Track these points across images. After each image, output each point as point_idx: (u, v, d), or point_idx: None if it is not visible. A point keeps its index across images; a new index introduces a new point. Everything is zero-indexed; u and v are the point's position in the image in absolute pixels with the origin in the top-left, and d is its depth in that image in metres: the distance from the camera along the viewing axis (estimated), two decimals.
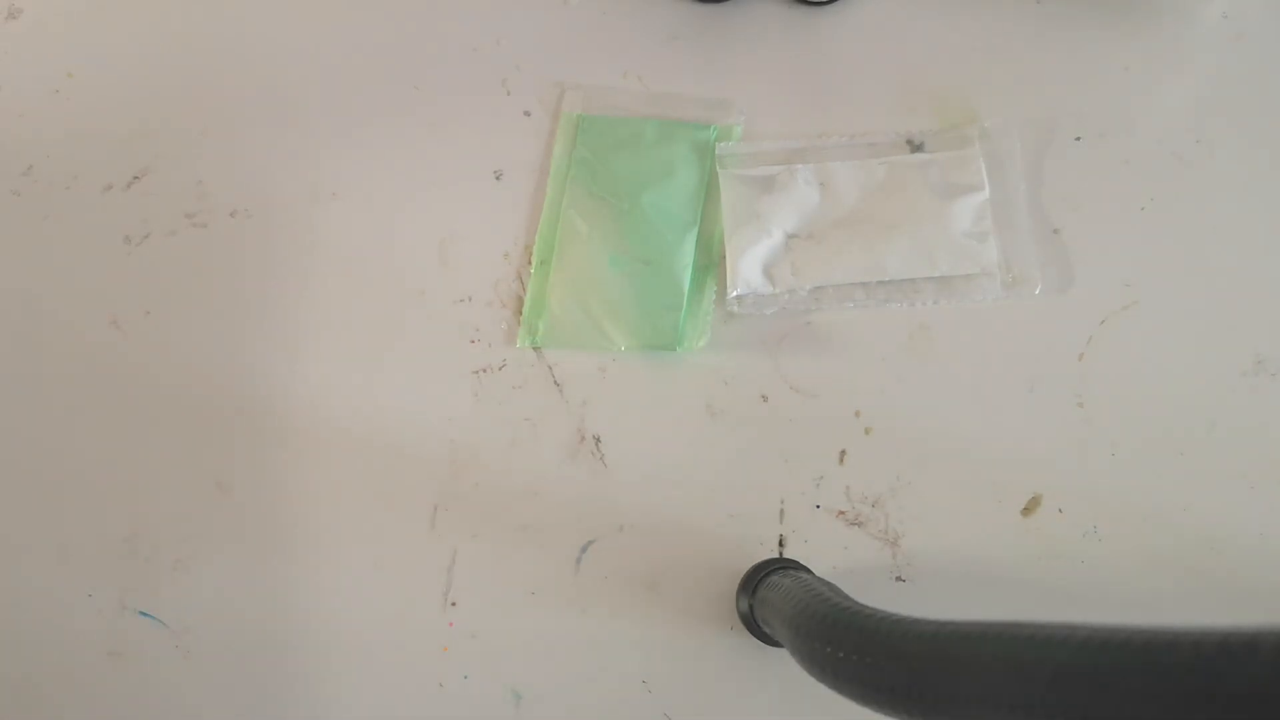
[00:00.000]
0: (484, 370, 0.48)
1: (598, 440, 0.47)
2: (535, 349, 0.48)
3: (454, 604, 0.46)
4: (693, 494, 0.46)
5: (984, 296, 0.47)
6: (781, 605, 0.36)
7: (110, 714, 0.46)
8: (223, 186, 0.52)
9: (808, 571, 0.43)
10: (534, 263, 0.49)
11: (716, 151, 0.49)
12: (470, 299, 0.49)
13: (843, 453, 0.46)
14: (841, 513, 0.45)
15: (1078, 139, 0.49)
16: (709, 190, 0.49)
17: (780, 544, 0.45)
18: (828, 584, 0.38)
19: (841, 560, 0.45)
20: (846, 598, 0.35)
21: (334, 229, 0.50)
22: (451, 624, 0.45)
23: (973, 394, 0.46)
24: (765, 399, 0.47)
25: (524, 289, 0.49)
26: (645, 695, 0.44)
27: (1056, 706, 0.20)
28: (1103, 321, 0.47)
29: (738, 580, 0.44)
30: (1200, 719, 0.17)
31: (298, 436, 0.48)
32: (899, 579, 0.45)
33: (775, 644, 0.43)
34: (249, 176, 0.52)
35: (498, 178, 0.51)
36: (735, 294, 0.47)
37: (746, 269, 0.47)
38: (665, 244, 0.48)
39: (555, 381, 0.48)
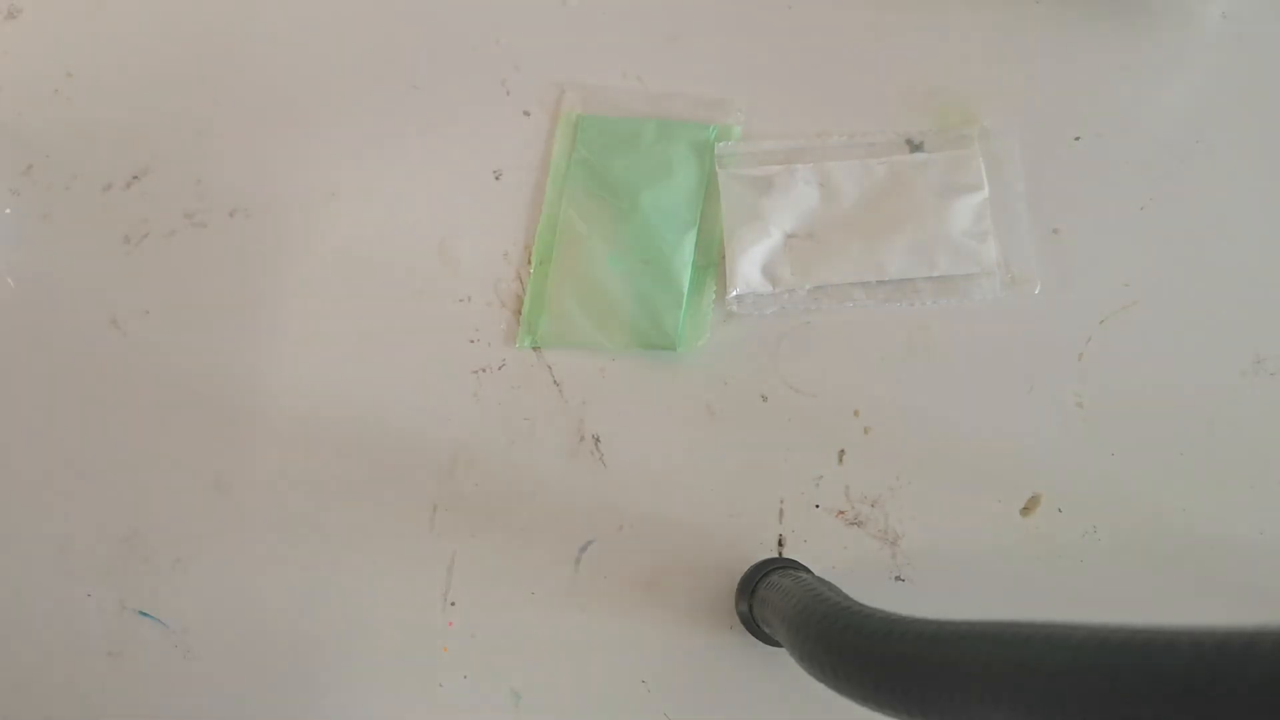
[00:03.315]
0: (484, 370, 0.48)
1: (597, 440, 0.47)
2: (535, 349, 0.48)
3: (454, 604, 0.46)
4: (692, 494, 0.46)
5: (983, 296, 0.47)
6: (781, 605, 0.36)
7: (110, 714, 0.46)
8: (222, 186, 0.52)
9: (807, 571, 0.43)
10: (533, 262, 0.49)
11: (716, 151, 0.49)
12: (470, 299, 0.49)
13: (842, 452, 0.46)
14: (841, 512, 0.45)
15: (1077, 139, 0.49)
16: (708, 190, 0.49)
17: (780, 544, 0.45)
18: (827, 584, 0.38)
19: (841, 560, 0.45)
20: (846, 598, 0.35)
21: (334, 229, 0.50)
22: (451, 624, 0.45)
23: (972, 394, 0.46)
24: (765, 399, 0.47)
25: (524, 289, 0.49)
26: (645, 695, 0.44)
27: (1056, 706, 0.20)
28: (1102, 321, 0.47)
29: (737, 580, 0.44)
30: (1200, 719, 0.17)
31: (297, 436, 0.48)
32: (899, 579, 0.45)
33: (775, 644, 0.43)
34: (248, 176, 0.52)
35: (497, 178, 0.51)
36: (735, 294, 0.47)
37: (746, 269, 0.47)
38: (664, 244, 0.48)
39: (555, 381, 0.48)
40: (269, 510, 0.47)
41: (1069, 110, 0.49)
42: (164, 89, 0.54)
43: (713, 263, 0.48)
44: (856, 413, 0.46)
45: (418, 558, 0.46)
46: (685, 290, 0.47)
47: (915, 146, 0.49)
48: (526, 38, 0.53)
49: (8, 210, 0.52)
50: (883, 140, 0.49)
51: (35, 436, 0.49)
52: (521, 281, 0.49)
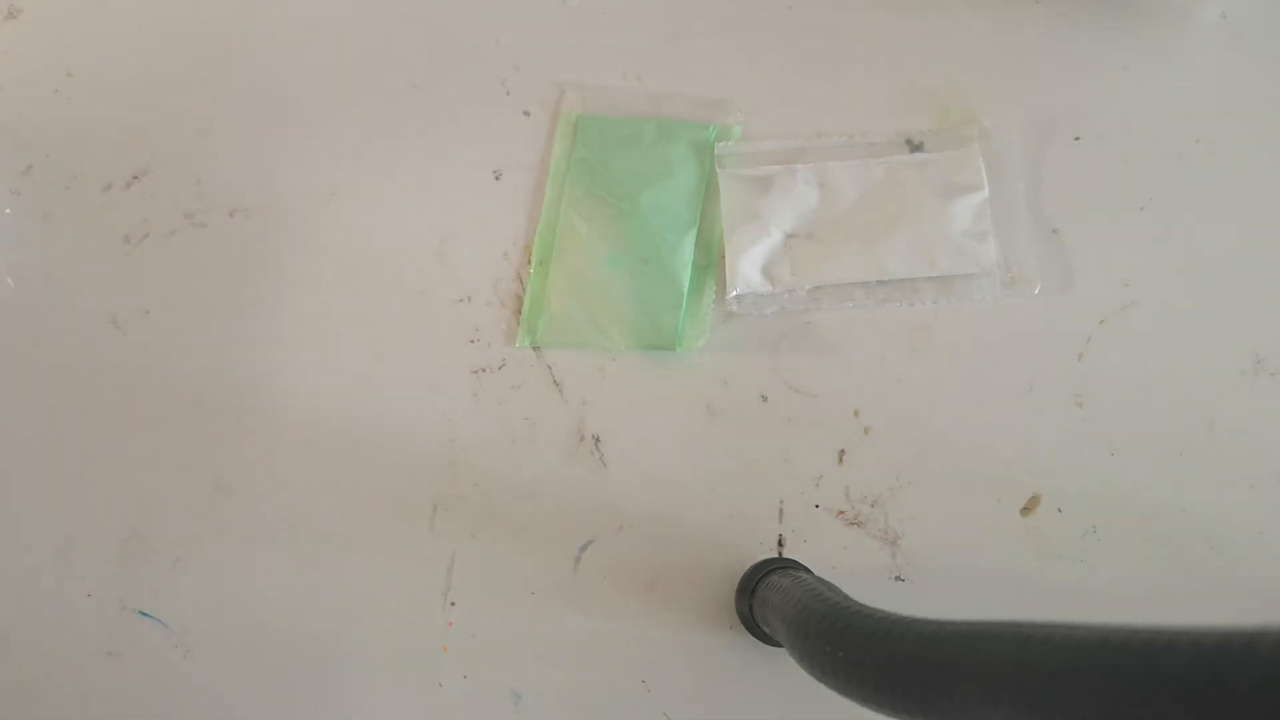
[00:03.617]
0: (484, 370, 0.48)
1: (597, 440, 0.47)
2: (535, 349, 0.48)
3: (454, 604, 0.46)
4: (692, 494, 0.46)
5: (983, 296, 0.47)
6: (781, 605, 0.36)
7: (110, 714, 0.46)
8: (222, 186, 0.52)
9: (807, 571, 0.43)
10: (533, 262, 0.49)
11: (715, 151, 0.49)
12: (470, 299, 0.49)
13: (842, 452, 0.46)
14: (841, 512, 0.45)
15: (1077, 139, 0.49)
16: (708, 190, 0.49)
17: (779, 544, 0.45)
18: (827, 584, 0.38)
19: (841, 560, 0.45)
20: (846, 598, 0.35)
21: (334, 229, 0.50)
22: (451, 624, 0.45)
23: (972, 394, 0.46)
24: (765, 399, 0.47)
25: (524, 289, 0.49)
26: (645, 695, 0.44)
27: (1056, 706, 0.20)
28: (1102, 321, 0.47)
29: (737, 580, 0.44)
30: (1200, 719, 0.17)
31: (297, 436, 0.48)
32: (898, 579, 0.45)
33: (775, 644, 0.43)
34: (248, 176, 0.52)
35: (497, 177, 0.51)
36: (734, 294, 0.47)
37: (746, 268, 0.47)
38: (664, 244, 0.48)
39: (555, 381, 0.48)
40: (269, 510, 0.47)
41: (1069, 110, 0.49)
42: (164, 89, 0.54)
43: (713, 263, 0.48)
44: (856, 413, 0.46)
45: (418, 558, 0.46)
46: (685, 290, 0.47)
47: (915, 146, 0.49)
48: (526, 38, 0.53)
49: (8, 210, 0.52)
50: (882, 140, 0.49)
51: (35, 436, 0.49)
52: (521, 281, 0.49)
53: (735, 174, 0.48)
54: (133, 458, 0.48)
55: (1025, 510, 0.45)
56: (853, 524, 0.45)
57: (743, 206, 0.48)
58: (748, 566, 0.44)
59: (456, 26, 0.53)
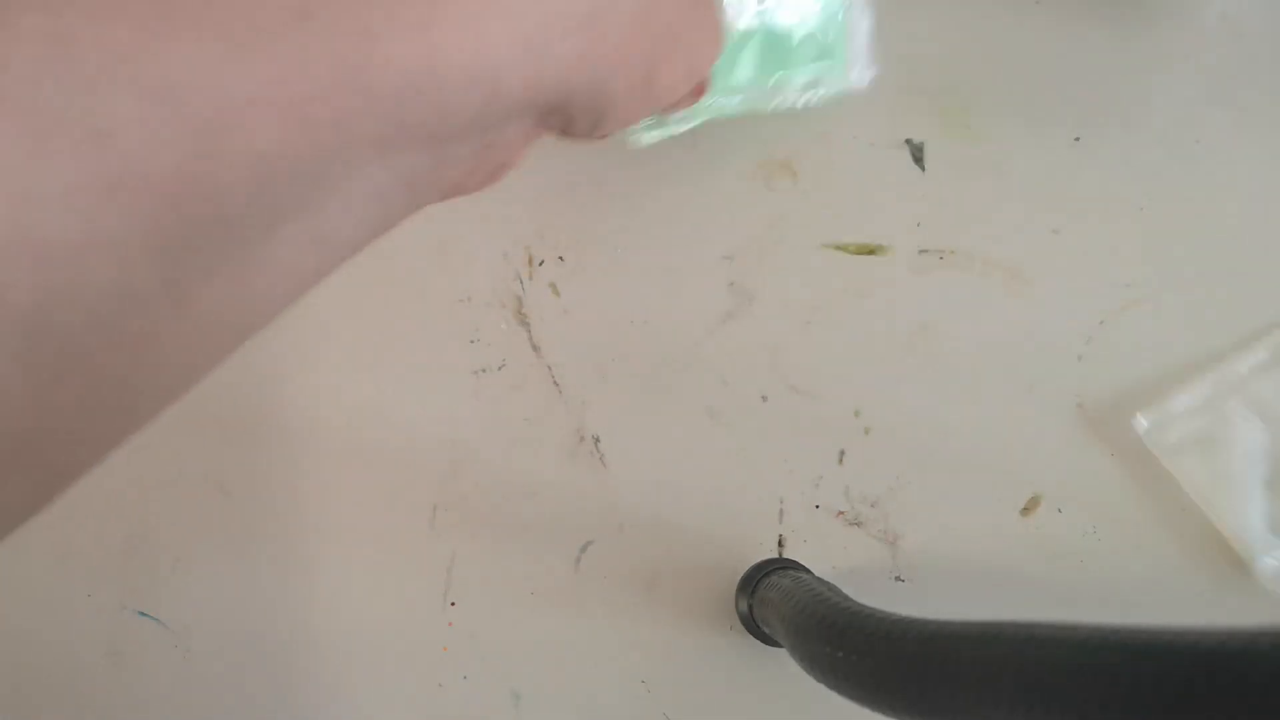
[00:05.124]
0: (484, 370, 0.48)
1: (597, 440, 0.47)
2: (534, 349, 0.48)
3: (454, 604, 0.46)
4: (692, 494, 0.46)
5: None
6: (781, 605, 0.36)
7: (110, 714, 0.46)
8: None
9: (807, 572, 0.43)
10: None
11: (1141, 431, 0.44)
12: (470, 299, 0.49)
13: (842, 453, 0.46)
14: (841, 513, 0.45)
15: (1077, 139, 0.49)
16: None
17: (780, 544, 0.45)
18: (827, 584, 0.38)
19: (841, 560, 0.45)
20: (846, 598, 0.35)
21: None
22: (451, 624, 0.45)
23: (972, 394, 0.46)
24: (765, 399, 0.47)
25: (523, 289, 0.49)
26: (645, 695, 0.44)
27: (1056, 706, 0.20)
28: (1102, 321, 0.47)
29: (737, 580, 0.44)
30: (1200, 719, 0.17)
31: (297, 437, 0.48)
32: (898, 579, 0.45)
33: (775, 644, 0.43)
34: None
35: None
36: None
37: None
38: None
39: (555, 381, 0.48)
40: (269, 510, 0.47)
41: (1069, 110, 0.49)
42: None
43: None
44: (857, 413, 0.46)
45: (418, 558, 0.46)
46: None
47: (915, 147, 0.49)
48: None
49: None
50: (882, 143, 0.49)
51: None
52: (521, 282, 0.49)
53: (1173, 444, 0.43)
54: (133, 458, 0.48)
55: (1025, 510, 0.45)
56: (853, 524, 0.45)
57: (1208, 480, 0.43)
58: (748, 567, 0.44)
59: None
